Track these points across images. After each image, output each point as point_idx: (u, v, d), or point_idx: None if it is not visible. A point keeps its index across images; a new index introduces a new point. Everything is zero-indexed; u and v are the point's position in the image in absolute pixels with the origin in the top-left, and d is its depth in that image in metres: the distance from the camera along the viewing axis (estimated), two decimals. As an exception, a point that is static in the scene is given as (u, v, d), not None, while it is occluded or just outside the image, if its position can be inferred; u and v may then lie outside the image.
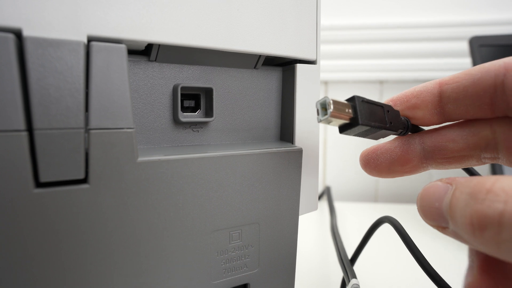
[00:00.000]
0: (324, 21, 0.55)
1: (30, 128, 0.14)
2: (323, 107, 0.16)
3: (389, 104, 0.19)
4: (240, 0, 0.18)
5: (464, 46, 0.51)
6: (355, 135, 0.17)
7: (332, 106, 0.15)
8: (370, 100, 0.17)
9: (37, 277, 0.14)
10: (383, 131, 0.17)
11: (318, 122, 0.16)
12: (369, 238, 0.27)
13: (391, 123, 0.18)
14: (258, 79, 0.21)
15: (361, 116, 0.16)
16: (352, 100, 0.16)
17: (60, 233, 0.14)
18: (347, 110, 0.16)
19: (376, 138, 0.18)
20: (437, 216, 0.14)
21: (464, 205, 0.12)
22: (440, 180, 0.14)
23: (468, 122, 0.18)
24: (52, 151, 0.14)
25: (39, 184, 0.14)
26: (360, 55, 0.57)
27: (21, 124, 0.13)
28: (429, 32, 0.55)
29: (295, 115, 0.21)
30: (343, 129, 0.17)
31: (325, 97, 0.16)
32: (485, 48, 0.42)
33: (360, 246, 0.27)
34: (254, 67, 0.21)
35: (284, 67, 0.22)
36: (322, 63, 0.21)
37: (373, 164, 0.20)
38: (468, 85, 0.17)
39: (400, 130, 0.18)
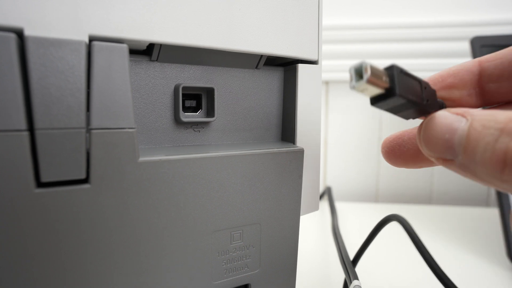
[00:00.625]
0: (325, 21, 0.55)
1: (31, 128, 0.13)
2: (358, 72, 0.14)
3: None
4: (241, 0, 0.18)
5: (466, 46, 0.51)
6: (386, 110, 0.15)
7: (369, 71, 0.14)
8: (408, 72, 0.15)
9: (38, 277, 0.14)
10: (418, 108, 0.15)
11: (351, 88, 0.14)
12: (374, 237, 0.26)
13: (427, 100, 0.16)
14: (259, 79, 0.21)
15: (399, 86, 0.14)
16: (390, 69, 0.14)
17: (61, 233, 0.14)
18: (384, 79, 0.14)
19: (407, 118, 0.16)
20: (444, 147, 0.13)
21: (494, 141, 0.11)
22: (448, 110, 0.14)
23: (510, 105, 0.17)
24: (53, 151, 0.14)
25: (40, 184, 0.14)
26: (361, 55, 0.57)
27: (22, 124, 0.13)
28: (431, 32, 0.55)
29: (297, 115, 0.21)
30: (375, 100, 0.15)
31: (361, 61, 0.14)
32: (486, 48, 0.42)
33: (364, 245, 0.27)
34: (256, 67, 0.21)
35: (286, 67, 0.22)
36: (323, 63, 0.21)
37: (398, 152, 0.18)
38: None
39: (434, 112, 0.16)
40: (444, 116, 0.13)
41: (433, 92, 0.16)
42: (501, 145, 0.11)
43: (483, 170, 0.12)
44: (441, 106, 0.17)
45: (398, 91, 0.14)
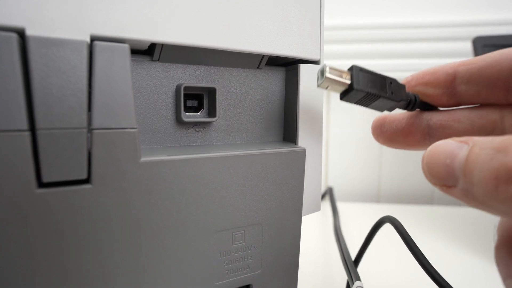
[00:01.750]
0: (326, 21, 0.55)
1: (33, 128, 0.13)
2: (322, 73, 0.17)
3: (408, 79, 0.20)
4: (243, 0, 0.18)
5: (468, 46, 0.51)
6: (356, 103, 0.18)
7: (327, 71, 0.17)
8: (370, 71, 0.18)
9: (40, 277, 0.14)
10: (383, 100, 0.18)
11: (317, 87, 0.18)
12: (371, 239, 0.26)
13: (392, 93, 0.18)
14: (261, 79, 0.21)
15: (356, 81, 0.17)
16: (351, 69, 0.18)
17: (62, 233, 0.14)
18: (344, 76, 0.17)
19: (380, 110, 0.19)
20: (446, 174, 0.14)
21: (489, 159, 0.12)
22: (452, 138, 0.14)
23: (479, 107, 0.18)
24: (54, 151, 0.14)
25: (41, 184, 0.14)
26: (362, 55, 0.57)
27: (24, 123, 0.13)
28: (432, 32, 0.55)
29: (298, 115, 0.21)
30: (342, 95, 0.18)
31: (323, 64, 0.17)
32: (488, 48, 0.42)
33: (363, 247, 0.27)
34: (257, 67, 0.21)
35: (287, 67, 0.22)
36: (324, 63, 0.21)
37: (379, 130, 0.21)
38: (484, 67, 0.17)
39: (403, 102, 0.19)
40: (446, 144, 0.14)
41: (401, 86, 0.19)
42: (495, 162, 0.12)
43: (480, 191, 0.12)
44: (412, 99, 0.19)
45: (356, 86, 0.17)
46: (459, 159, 0.13)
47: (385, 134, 0.21)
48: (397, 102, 0.18)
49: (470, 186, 0.13)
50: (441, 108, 0.20)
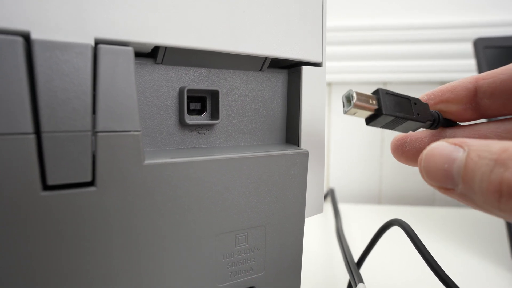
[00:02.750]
0: (327, 22, 0.55)
1: (37, 131, 0.14)
2: (348, 99, 0.17)
3: (424, 98, 0.19)
4: (246, 3, 0.18)
5: (469, 47, 0.51)
6: (382, 127, 0.18)
7: (355, 97, 0.16)
8: (395, 93, 0.17)
9: (44, 279, 0.14)
10: (410, 122, 0.17)
11: (344, 113, 0.17)
12: (377, 241, 0.26)
13: (418, 114, 0.18)
14: (263, 82, 0.21)
15: (385, 106, 0.17)
16: (376, 92, 0.17)
17: (67, 236, 0.14)
18: (371, 102, 0.17)
19: (405, 131, 0.19)
20: (444, 178, 0.14)
21: (489, 171, 0.12)
22: (446, 140, 0.14)
23: (505, 120, 0.18)
24: (59, 154, 0.14)
25: (46, 187, 0.14)
26: (363, 57, 0.57)
27: (29, 127, 0.13)
28: (433, 34, 0.55)
29: (301, 117, 0.21)
30: (369, 120, 0.17)
31: (349, 89, 0.17)
32: (490, 49, 0.42)
33: (367, 249, 0.27)
34: (260, 70, 0.21)
35: (290, 69, 0.22)
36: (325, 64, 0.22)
37: (400, 150, 0.20)
38: (506, 79, 0.17)
39: (429, 122, 0.18)
40: (442, 147, 0.14)
41: (425, 106, 0.18)
42: (495, 176, 0.12)
43: (481, 199, 0.12)
44: (436, 117, 0.19)
45: (385, 111, 0.16)
46: (456, 164, 0.13)
47: (407, 154, 0.20)
48: (423, 123, 0.18)
49: (470, 193, 0.13)
50: (462, 123, 0.20)
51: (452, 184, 0.14)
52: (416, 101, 0.18)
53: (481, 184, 0.12)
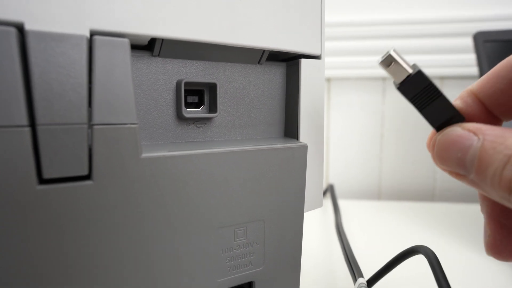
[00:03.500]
0: (326, 18, 0.55)
1: (33, 124, 0.13)
2: (386, 60, 0.17)
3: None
4: (244, -6, 0.18)
5: (468, 42, 0.51)
6: (412, 99, 0.17)
7: (392, 50, 0.16)
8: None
9: (41, 274, 0.14)
10: (443, 102, 0.16)
11: (378, 63, 0.17)
12: (395, 266, 0.23)
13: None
14: (262, 75, 0.21)
15: (421, 70, 0.16)
16: (413, 66, 0.17)
17: (64, 230, 0.14)
18: (407, 65, 0.16)
19: (433, 118, 0.16)
20: (457, 165, 0.14)
21: (502, 167, 0.12)
22: (461, 126, 0.14)
23: None
24: (55, 147, 0.14)
25: (42, 181, 0.14)
26: (362, 52, 0.57)
27: (23, 119, 0.13)
28: (433, 28, 0.54)
29: (300, 110, 0.21)
30: (401, 84, 0.17)
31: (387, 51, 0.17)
32: (489, 43, 0.41)
33: (382, 271, 0.24)
34: (258, 62, 0.21)
35: (288, 62, 0.22)
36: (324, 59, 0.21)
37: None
38: (506, 88, 0.15)
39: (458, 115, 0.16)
40: (456, 134, 0.14)
41: (453, 111, 0.16)
42: (508, 172, 0.12)
43: (493, 191, 0.13)
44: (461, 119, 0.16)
45: (421, 71, 0.16)
46: (470, 154, 0.13)
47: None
48: (454, 110, 0.16)
49: (482, 183, 0.13)
50: None
51: (465, 172, 0.14)
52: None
53: (494, 178, 0.12)
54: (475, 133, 0.13)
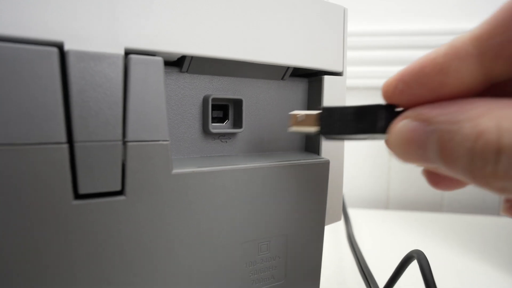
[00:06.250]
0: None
1: (70, 141, 0.14)
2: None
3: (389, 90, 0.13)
4: (269, 14, 0.18)
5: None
6: (339, 131, 0.15)
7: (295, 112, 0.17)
8: (337, 106, 0.15)
9: (76, 285, 0.14)
10: (364, 107, 0.14)
11: (291, 131, 0.17)
12: (400, 274, 0.23)
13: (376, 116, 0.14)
14: (285, 90, 0.21)
15: (324, 126, 0.16)
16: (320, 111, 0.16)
17: (97, 244, 0.14)
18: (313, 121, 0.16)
19: (371, 129, 0.14)
20: (424, 162, 0.12)
21: (470, 162, 0.10)
22: (409, 117, 0.12)
23: None
24: (91, 163, 0.14)
25: (78, 196, 0.14)
26: (369, 62, 0.57)
27: (62, 136, 0.13)
28: (444, 40, 0.55)
29: (321, 126, 0.21)
30: (321, 127, 0.16)
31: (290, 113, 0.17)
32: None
33: (391, 281, 0.24)
34: (282, 79, 0.21)
35: (310, 78, 0.22)
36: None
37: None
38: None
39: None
40: (407, 129, 0.12)
41: (377, 107, 0.14)
42: (477, 167, 0.10)
43: (470, 178, 0.11)
44: (390, 110, 0.14)
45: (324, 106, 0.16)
46: (431, 150, 0.11)
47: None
48: (378, 104, 0.14)
49: (459, 175, 0.11)
50: None
51: (436, 166, 0.12)
52: (362, 108, 0.15)
53: (466, 173, 0.10)
54: (426, 122, 0.11)
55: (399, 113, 0.13)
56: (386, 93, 0.13)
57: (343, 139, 0.16)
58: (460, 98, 0.11)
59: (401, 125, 0.12)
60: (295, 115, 0.17)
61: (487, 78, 0.12)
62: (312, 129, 0.16)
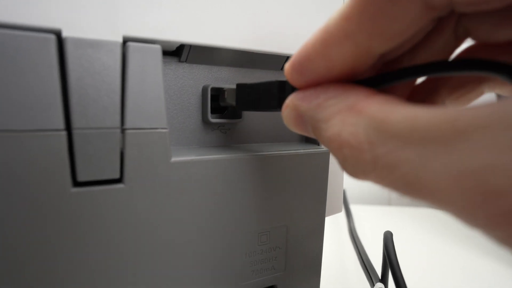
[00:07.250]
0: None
1: (68, 128, 0.14)
2: None
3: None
4: (269, 2, 0.18)
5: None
6: (248, 107, 0.17)
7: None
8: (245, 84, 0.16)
9: (73, 274, 0.14)
10: (263, 84, 0.15)
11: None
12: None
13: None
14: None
15: (238, 101, 0.17)
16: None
17: (95, 231, 0.14)
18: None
19: (271, 105, 0.15)
20: (311, 136, 0.13)
21: (340, 146, 0.11)
22: (289, 107, 0.13)
23: None
24: (89, 150, 0.14)
25: (76, 183, 0.14)
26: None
27: (60, 123, 0.13)
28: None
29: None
30: (236, 102, 0.17)
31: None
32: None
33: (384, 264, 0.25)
34: (281, 69, 0.21)
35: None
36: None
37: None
38: None
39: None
40: (289, 117, 0.13)
41: (272, 84, 0.14)
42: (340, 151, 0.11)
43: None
44: (283, 88, 0.14)
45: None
46: (311, 132, 0.12)
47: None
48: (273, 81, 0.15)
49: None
50: None
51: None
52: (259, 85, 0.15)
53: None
54: (301, 115, 0.12)
55: (292, 90, 0.13)
56: (286, 75, 0.13)
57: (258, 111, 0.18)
58: (346, 80, 0.12)
59: (286, 113, 0.13)
60: (224, 90, 0.18)
61: (372, 56, 0.11)
62: (234, 103, 0.17)
